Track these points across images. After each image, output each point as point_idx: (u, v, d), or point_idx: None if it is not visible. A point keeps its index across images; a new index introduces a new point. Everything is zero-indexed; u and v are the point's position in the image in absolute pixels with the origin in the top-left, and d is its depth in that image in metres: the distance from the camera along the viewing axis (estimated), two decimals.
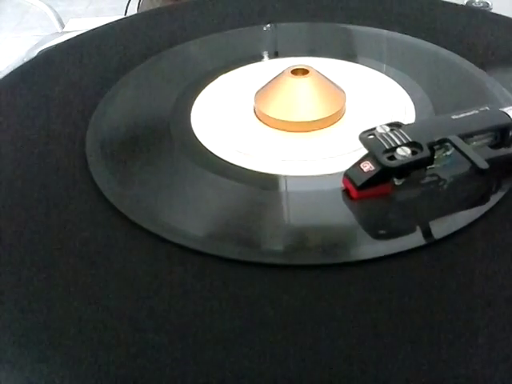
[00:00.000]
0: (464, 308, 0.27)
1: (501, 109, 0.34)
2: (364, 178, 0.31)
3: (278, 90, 0.40)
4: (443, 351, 0.25)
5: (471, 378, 0.24)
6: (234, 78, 0.45)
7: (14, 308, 0.28)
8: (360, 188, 0.32)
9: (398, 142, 0.32)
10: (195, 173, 0.35)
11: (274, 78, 0.40)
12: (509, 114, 0.33)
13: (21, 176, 0.36)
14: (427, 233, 0.31)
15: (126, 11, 1.01)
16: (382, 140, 0.32)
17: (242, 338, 0.26)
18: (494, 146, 0.34)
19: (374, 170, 0.31)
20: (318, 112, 0.38)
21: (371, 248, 0.30)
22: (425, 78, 0.43)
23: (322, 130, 0.38)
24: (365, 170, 0.32)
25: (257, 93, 0.41)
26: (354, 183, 0.32)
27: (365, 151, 0.33)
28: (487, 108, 0.34)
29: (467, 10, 0.57)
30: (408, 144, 0.32)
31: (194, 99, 0.42)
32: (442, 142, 0.32)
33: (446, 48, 0.47)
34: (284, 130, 0.38)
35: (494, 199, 0.32)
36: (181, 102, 0.42)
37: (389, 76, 0.44)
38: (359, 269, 0.29)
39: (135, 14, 0.76)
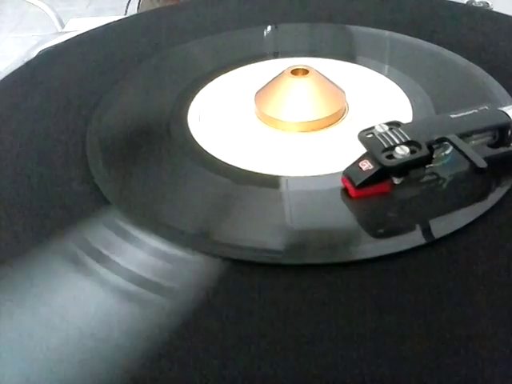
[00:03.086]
0: (464, 308, 0.27)
1: (500, 108, 0.34)
2: (363, 177, 0.32)
3: (278, 90, 0.40)
4: (443, 351, 0.25)
5: (472, 377, 0.24)
6: (233, 78, 0.45)
7: (12, 309, 0.28)
8: (359, 187, 0.32)
9: (397, 141, 0.32)
10: (194, 173, 0.35)
11: (274, 78, 0.40)
12: (508, 113, 0.33)
13: (21, 176, 0.36)
14: (426, 232, 0.31)
15: (126, 11, 1.01)
16: (380, 139, 0.32)
17: (239, 337, 0.26)
18: (493, 145, 0.34)
19: (372, 169, 0.31)
20: (318, 112, 0.39)
21: (370, 247, 0.30)
22: (425, 77, 0.43)
23: (322, 130, 0.38)
24: (363, 168, 0.32)
25: (257, 93, 0.41)
26: (352, 182, 0.32)
27: (364, 151, 0.33)
28: (486, 107, 0.34)
29: (467, 9, 0.57)
30: (407, 143, 0.32)
31: (194, 99, 0.43)
32: (441, 141, 0.32)
33: (445, 48, 0.47)
34: (284, 130, 0.38)
35: (494, 199, 0.32)
36: (180, 102, 0.42)
37: (389, 76, 0.44)
38: (358, 268, 0.29)
39: (135, 14, 0.76)
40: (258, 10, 0.56)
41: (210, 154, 0.37)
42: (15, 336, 0.27)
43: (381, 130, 0.33)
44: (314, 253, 0.30)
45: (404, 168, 0.31)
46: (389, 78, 0.44)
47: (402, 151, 0.31)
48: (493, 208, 0.31)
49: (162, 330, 0.26)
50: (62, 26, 0.72)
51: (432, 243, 0.30)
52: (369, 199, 0.32)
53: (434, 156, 0.32)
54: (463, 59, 0.45)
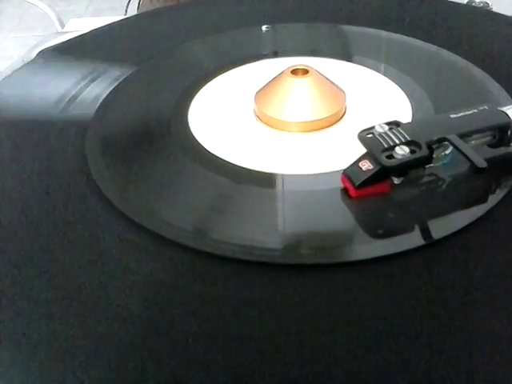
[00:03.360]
0: (464, 308, 0.27)
1: (500, 108, 0.34)
2: (362, 177, 0.32)
3: (277, 89, 0.40)
4: (443, 351, 0.25)
5: (471, 377, 0.24)
6: (233, 78, 0.45)
7: (12, 309, 0.28)
8: (358, 187, 0.32)
9: (397, 141, 0.32)
10: (194, 172, 0.35)
11: (274, 77, 0.40)
12: (507, 113, 0.33)
13: (21, 176, 0.36)
14: (427, 232, 0.31)
15: (126, 11, 1.01)
16: (380, 139, 0.32)
17: (238, 337, 0.26)
18: (493, 145, 0.34)
19: (372, 169, 0.31)
20: (318, 112, 0.39)
21: (370, 247, 0.30)
22: (424, 77, 0.43)
23: (321, 130, 0.38)
24: (363, 168, 0.32)
25: (257, 93, 0.41)
26: (352, 182, 0.32)
27: (364, 150, 0.33)
28: (486, 107, 0.34)
29: (467, 9, 0.57)
30: (406, 143, 0.32)
31: (194, 99, 0.43)
32: (441, 141, 0.32)
33: (445, 48, 0.47)
34: (284, 129, 0.39)
35: (494, 199, 0.32)
36: (180, 102, 0.42)
37: (389, 76, 0.44)
38: (357, 269, 0.29)
39: (135, 14, 0.76)
40: (257, 9, 0.56)
41: (211, 153, 0.37)
42: None
43: (381, 130, 0.33)
44: (313, 253, 0.30)
45: (404, 168, 0.31)
46: (388, 78, 0.44)
47: (402, 151, 0.31)
48: (493, 208, 0.31)
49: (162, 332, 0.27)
50: (62, 26, 0.72)
51: (432, 244, 0.30)
52: (369, 199, 0.32)
53: (433, 156, 0.32)
54: (463, 59, 0.45)
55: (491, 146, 0.34)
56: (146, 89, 0.45)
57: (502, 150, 0.34)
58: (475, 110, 0.34)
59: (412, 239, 0.30)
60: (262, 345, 0.26)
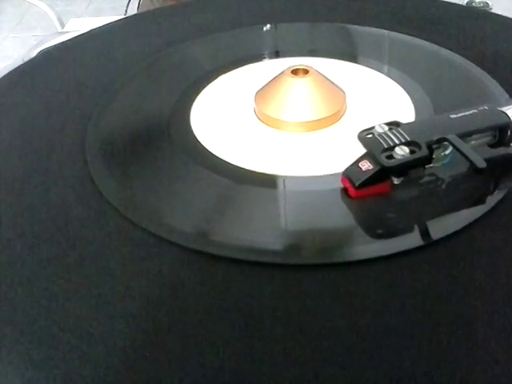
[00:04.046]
0: (464, 308, 0.27)
1: (499, 108, 0.34)
2: (362, 177, 0.32)
3: (278, 89, 0.40)
4: (443, 352, 0.25)
5: (471, 378, 0.24)
6: (233, 78, 0.45)
7: (14, 308, 0.28)
8: (358, 187, 0.32)
9: (397, 141, 0.32)
10: (195, 173, 0.35)
11: (274, 77, 0.41)
12: (507, 113, 0.34)
13: (21, 176, 0.36)
14: (426, 232, 0.31)
15: (126, 11, 1.01)
16: (380, 139, 0.32)
17: (239, 337, 0.26)
18: (493, 145, 0.34)
19: (372, 169, 0.31)
20: (318, 112, 0.39)
21: (370, 247, 0.30)
22: (425, 77, 0.43)
23: (321, 130, 0.39)
24: (363, 169, 0.32)
25: (257, 93, 0.41)
26: (352, 182, 0.32)
27: (364, 151, 0.33)
28: (486, 107, 0.34)
29: (467, 10, 0.57)
30: (406, 143, 0.32)
31: (194, 99, 0.43)
32: (441, 141, 0.32)
33: (446, 48, 0.47)
34: (284, 129, 0.39)
35: (494, 199, 0.32)
36: (181, 102, 0.42)
37: (389, 76, 0.44)
38: (357, 269, 0.29)
39: (135, 14, 0.76)
40: (257, 9, 0.56)
41: (212, 154, 0.37)
42: None
43: (380, 131, 0.33)
44: (313, 253, 0.30)
45: (404, 168, 0.31)
46: (389, 78, 0.44)
47: (402, 151, 0.31)
48: (493, 209, 0.31)
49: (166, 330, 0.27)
50: (62, 26, 0.72)
51: (432, 244, 0.30)
52: (369, 199, 0.32)
53: (433, 156, 0.32)
54: (463, 59, 0.45)
55: (491, 146, 0.34)
56: (146, 89, 0.45)
57: (501, 150, 0.34)
58: (475, 110, 0.34)
59: (412, 239, 0.30)
60: (262, 345, 0.26)
